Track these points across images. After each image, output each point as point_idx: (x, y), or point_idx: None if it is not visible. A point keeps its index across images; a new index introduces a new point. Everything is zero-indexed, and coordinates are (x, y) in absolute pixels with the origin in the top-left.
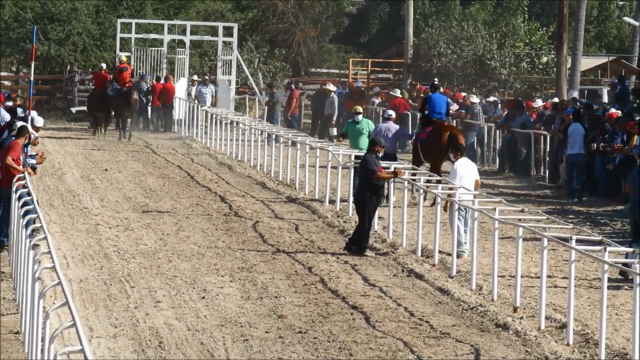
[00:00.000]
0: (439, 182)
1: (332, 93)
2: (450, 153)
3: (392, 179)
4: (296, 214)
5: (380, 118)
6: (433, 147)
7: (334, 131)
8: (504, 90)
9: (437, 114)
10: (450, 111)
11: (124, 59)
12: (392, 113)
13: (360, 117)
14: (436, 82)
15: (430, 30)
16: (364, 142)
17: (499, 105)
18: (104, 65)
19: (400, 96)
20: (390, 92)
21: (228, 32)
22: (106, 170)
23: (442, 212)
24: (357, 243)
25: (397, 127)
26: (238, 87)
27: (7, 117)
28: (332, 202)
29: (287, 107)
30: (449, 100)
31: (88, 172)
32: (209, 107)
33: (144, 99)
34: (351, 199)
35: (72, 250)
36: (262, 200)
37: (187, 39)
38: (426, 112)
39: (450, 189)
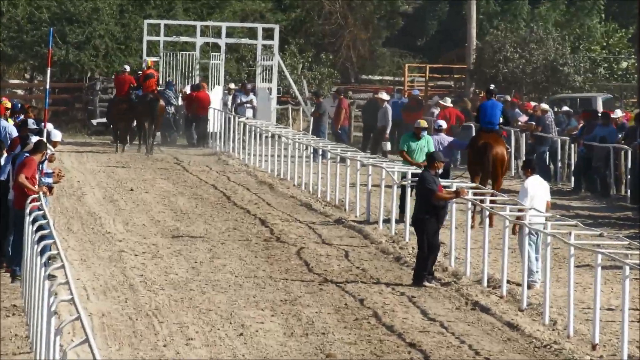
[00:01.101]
0: (491, 197)
1: (386, 103)
2: (521, 170)
3: (454, 199)
4: (346, 239)
5: None
6: (470, 162)
7: (388, 145)
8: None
9: (487, 124)
10: (519, 122)
11: (149, 63)
12: (443, 123)
13: (425, 132)
14: (492, 88)
15: (495, 32)
16: (423, 157)
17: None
18: (127, 67)
19: (452, 105)
20: (441, 101)
21: (268, 34)
22: (131, 190)
23: (510, 236)
24: (418, 273)
25: (450, 139)
26: (280, 96)
27: (14, 131)
28: (386, 225)
29: (335, 118)
30: (517, 109)
31: (111, 192)
32: (248, 118)
33: (170, 109)
34: (408, 221)
35: (92, 281)
36: (307, 223)
37: (223, 42)
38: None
39: (520, 210)
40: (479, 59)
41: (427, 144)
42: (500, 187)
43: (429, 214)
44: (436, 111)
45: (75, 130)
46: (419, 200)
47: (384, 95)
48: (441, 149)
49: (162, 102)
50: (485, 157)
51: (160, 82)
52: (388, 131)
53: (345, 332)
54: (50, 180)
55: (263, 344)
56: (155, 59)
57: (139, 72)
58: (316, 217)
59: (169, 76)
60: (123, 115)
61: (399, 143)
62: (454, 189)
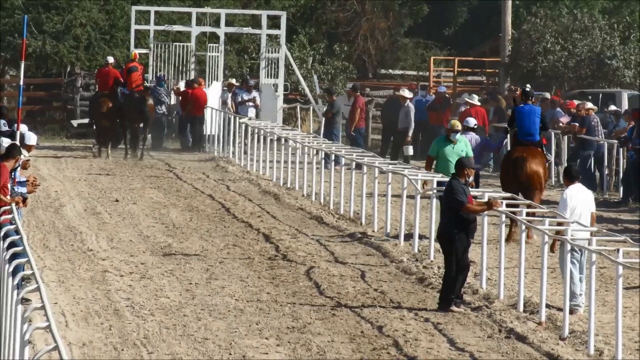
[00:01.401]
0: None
1: (408, 101)
2: (562, 177)
3: (486, 212)
4: (362, 257)
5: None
6: (503, 179)
7: (410, 150)
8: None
9: (526, 136)
10: (560, 124)
11: (133, 55)
12: (473, 121)
13: (458, 135)
14: (528, 89)
15: (534, 21)
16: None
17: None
18: (110, 59)
19: (479, 104)
20: (467, 99)
21: (274, 22)
22: (117, 201)
23: (549, 254)
24: (444, 296)
25: (478, 137)
26: (287, 93)
27: None
28: (408, 241)
29: (350, 118)
30: (558, 108)
31: (93, 204)
32: (250, 119)
33: (161, 108)
34: (433, 236)
35: (72, 305)
36: (318, 239)
37: (222, 31)
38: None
39: (561, 224)
40: (515, 51)
41: (466, 146)
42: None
43: (457, 228)
44: (462, 110)
45: (52, 132)
46: (446, 212)
47: (406, 93)
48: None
49: (151, 101)
50: (520, 173)
51: (151, 78)
52: (410, 133)
53: None
54: (24, 189)
55: None
56: (144, 50)
57: (123, 66)
58: (328, 232)
59: (160, 71)
60: (107, 115)
61: (424, 147)
62: (485, 199)
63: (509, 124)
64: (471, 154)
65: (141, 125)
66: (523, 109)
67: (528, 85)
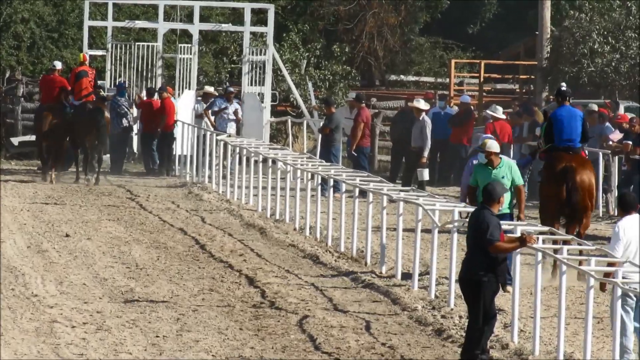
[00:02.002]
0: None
1: (424, 114)
2: (615, 207)
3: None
4: (367, 304)
5: None
6: (545, 197)
7: (425, 174)
8: None
9: (566, 142)
10: (610, 142)
11: (82, 57)
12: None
13: (499, 158)
14: (564, 88)
15: (579, 16)
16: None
17: None
18: (58, 64)
19: (504, 117)
20: (489, 111)
21: (260, 18)
22: (67, 235)
23: (595, 299)
24: (468, 352)
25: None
26: (276, 104)
27: None
28: (423, 284)
29: (352, 135)
30: (607, 122)
31: (39, 239)
32: (230, 135)
33: (122, 122)
34: (454, 278)
35: None
36: (312, 282)
37: (195, 28)
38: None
39: (611, 264)
40: (555, 52)
41: (511, 172)
42: (586, 230)
43: (485, 269)
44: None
45: None
46: (473, 250)
47: (421, 104)
48: None
49: (107, 114)
50: (570, 187)
51: (108, 85)
52: (426, 154)
53: None
54: None
55: None
56: (100, 52)
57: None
58: (325, 273)
59: (120, 77)
60: (54, 131)
61: (442, 170)
62: (517, 234)
63: (546, 138)
64: (519, 180)
65: (96, 143)
66: (561, 112)
67: (563, 84)
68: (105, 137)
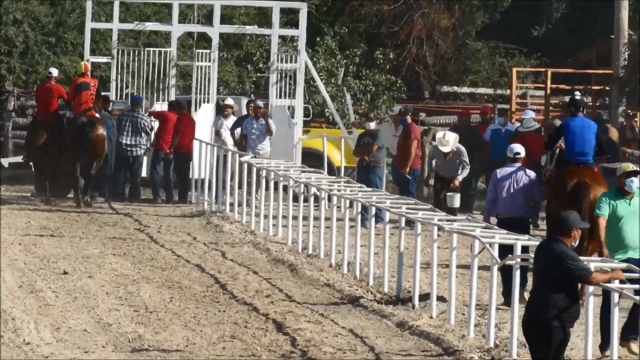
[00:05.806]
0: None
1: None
2: None
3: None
4: (415, 353)
5: None
6: (554, 210)
7: (456, 200)
8: None
9: (577, 156)
10: None
11: (83, 67)
12: (521, 150)
13: (635, 183)
14: (577, 97)
15: None
16: (635, 232)
17: None
18: (54, 71)
19: (534, 130)
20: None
21: (290, 19)
22: (65, 273)
23: None
24: None
25: (531, 175)
26: (308, 120)
27: None
28: (480, 330)
29: (399, 156)
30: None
31: (32, 277)
32: (255, 157)
33: (139, 141)
34: (516, 323)
35: None
36: (351, 328)
37: (215, 31)
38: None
39: None
40: (634, 58)
41: None
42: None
43: (555, 311)
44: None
45: None
46: (540, 288)
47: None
48: (516, 188)
49: (100, 130)
50: (582, 205)
51: (114, 97)
52: (461, 177)
53: None
54: None
55: None
56: (103, 59)
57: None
58: (367, 317)
59: (127, 87)
60: (46, 149)
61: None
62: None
63: (548, 144)
64: None
65: (94, 164)
66: (574, 123)
67: (577, 93)
68: (99, 157)
